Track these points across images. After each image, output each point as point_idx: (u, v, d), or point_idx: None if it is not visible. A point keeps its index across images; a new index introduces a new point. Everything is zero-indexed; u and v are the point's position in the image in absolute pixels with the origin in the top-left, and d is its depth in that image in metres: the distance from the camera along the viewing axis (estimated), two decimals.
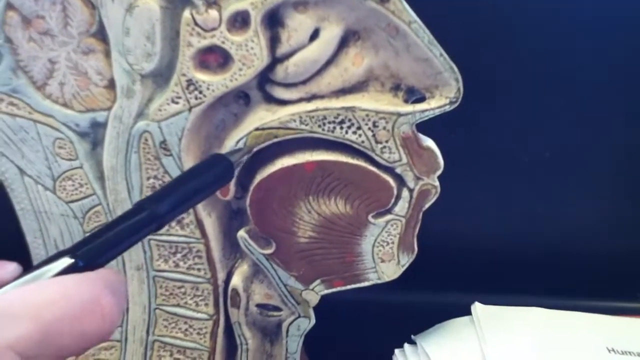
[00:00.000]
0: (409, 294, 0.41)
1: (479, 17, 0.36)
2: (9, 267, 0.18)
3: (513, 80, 0.38)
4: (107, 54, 0.26)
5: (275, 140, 0.26)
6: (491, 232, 0.43)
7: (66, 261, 0.18)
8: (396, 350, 0.36)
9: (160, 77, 0.26)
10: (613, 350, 0.34)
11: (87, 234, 0.20)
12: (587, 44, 0.38)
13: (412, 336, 0.36)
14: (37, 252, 0.31)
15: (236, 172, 0.25)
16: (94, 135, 0.28)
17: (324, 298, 0.31)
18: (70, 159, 0.29)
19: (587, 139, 0.40)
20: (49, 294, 0.16)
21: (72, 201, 0.29)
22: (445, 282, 0.42)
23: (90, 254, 0.19)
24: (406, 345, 0.36)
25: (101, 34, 0.26)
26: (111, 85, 0.27)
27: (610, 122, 0.40)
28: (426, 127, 0.27)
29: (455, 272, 0.42)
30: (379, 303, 0.41)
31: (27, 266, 0.31)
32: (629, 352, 0.34)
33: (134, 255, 0.30)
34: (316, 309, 0.32)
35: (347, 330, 0.40)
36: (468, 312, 0.38)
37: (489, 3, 0.36)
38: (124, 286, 0.19)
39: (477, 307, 0.37)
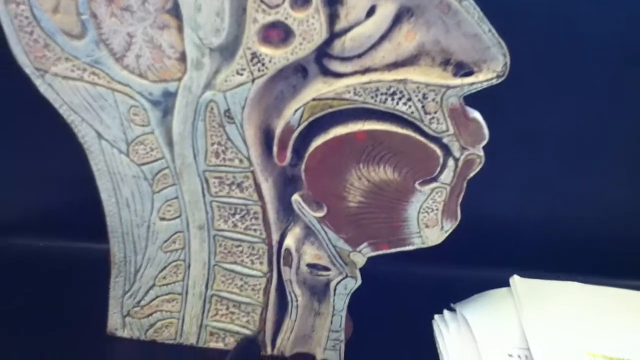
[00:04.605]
0: (450, 268, 0.43)
1: None
2: None
3: (560, 61, 0.39)
4: (180, 29, 0.29)
5: (330, 110, 0.28)
6: (532, 211, 0.44)
7: None
8: (436, 316, 0.38)
9: (227, 50, 0.29)
10: None
11: None
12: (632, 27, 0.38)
13: (452, 304, 0.38)
14: (110, 209, 0.34)
15: None
16: (165, 103, 0.31)
17: (369, 271, 0.33)
18: (143, 125, 0.31)
19: (631, 119, 0.40)
20: None
21: (143, 164, 0.32)
22: (484, 258, 0.43)
23: None
24: (445, 311, 0.38)
25: (175, 11, 0.28)
26: (182, 58, 0.29)
27: None
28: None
29: (494, 249, 0.43)
30: (420, 276, 0.43)
31: (101, 222, 0.34)
32: None
33: (197, 215, 0.33)
34: (362, 285, 0.33)
35: (390, 301, 0.41)
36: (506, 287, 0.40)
37: None
38: None
39: (516, 280, 0.39)
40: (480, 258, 0.43)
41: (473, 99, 0.28)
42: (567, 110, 0.40)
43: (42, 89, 0.31)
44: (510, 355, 0.33)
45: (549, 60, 0.38)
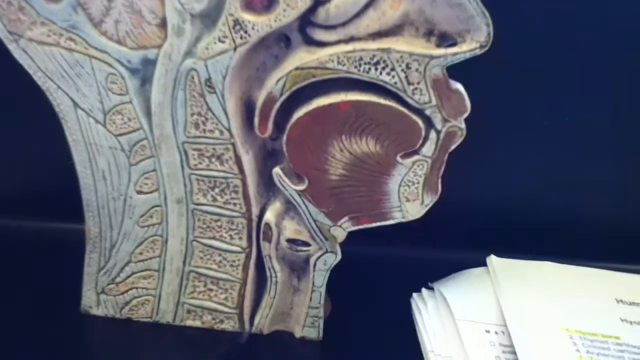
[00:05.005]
0: (428, 249, 0.43)
1: None
2: None
3: (539, 43, 0.39)
4: None
5: (313, 79, 0.28)
6: (509, 193, 0.44)
7: None
8: (414, 294, 0.38)
9: (208, 17, 0.28)
10: (622, 301, 0.36)
11: None
12: (620, 11, 0.38)
13: (429, 283, 0.38)
14: (85, 181, 0.33)
15: None
16: (144, 72, 0.30)
17: (348, 251, 0.33)
18: (121, 94, 0.31)
19: (608, 104, 0.41)
20: None
21: (121, 134, 0.32)
22: (461, 241, 0.43)
23: None
24: (424, 289, 0.38)
25: None
26: (163, 24, 0.29)
27: (634, 88, 0.41)
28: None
29: (471, 232, 0.44)
30: (399, 257, 0.43)
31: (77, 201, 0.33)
32: (637, 304, 0.36)
33: (175, 188, 0.33)
34: (340, 265, 0.33)
35: (369, 281, 0.41)
36: None
37: None
38: None
39: (493, 259, 0.39)
40: (458, 240, 0.43)
41: (454, 73, 0.28)
42: (550, 89, 0.40)
43: (16, 54, 0.30)
44: (487, 332, 0.34)
45: (535, 36, 0.38)
